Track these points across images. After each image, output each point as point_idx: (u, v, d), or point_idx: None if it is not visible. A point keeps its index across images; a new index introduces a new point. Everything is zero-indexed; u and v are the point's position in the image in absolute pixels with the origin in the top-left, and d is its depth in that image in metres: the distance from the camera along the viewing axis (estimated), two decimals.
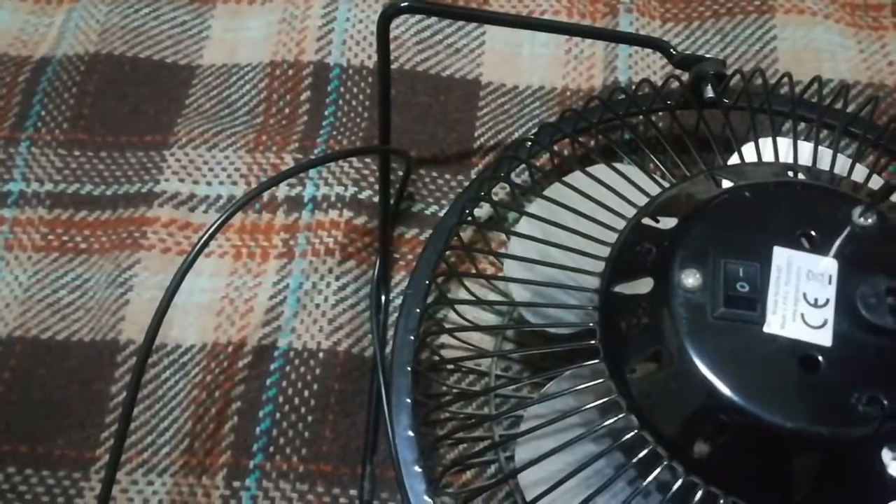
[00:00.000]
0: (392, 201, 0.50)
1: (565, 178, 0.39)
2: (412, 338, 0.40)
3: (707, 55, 0.55)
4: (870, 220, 0.30)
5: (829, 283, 0.30)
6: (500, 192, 0.51)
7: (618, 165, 0.39)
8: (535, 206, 0.40)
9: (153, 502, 0.44)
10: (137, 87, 0.56)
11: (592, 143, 0.51)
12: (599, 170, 0.38)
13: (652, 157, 0.41)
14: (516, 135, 0.54)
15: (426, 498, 0.37)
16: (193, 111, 0.55)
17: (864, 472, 0.28)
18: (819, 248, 0.30)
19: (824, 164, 0.36)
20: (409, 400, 0.39)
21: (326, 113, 0.55)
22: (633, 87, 0.51)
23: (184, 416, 0.46)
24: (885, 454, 0.28)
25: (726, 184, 0.34)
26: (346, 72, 0.56)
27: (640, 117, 0.48)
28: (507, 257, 0.39)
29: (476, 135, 0.54)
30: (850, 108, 0.46)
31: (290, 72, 0.56)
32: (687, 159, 0.40)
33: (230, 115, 0.55)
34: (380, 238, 0.49)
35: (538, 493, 0.30)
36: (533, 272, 0.37)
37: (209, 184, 0.52)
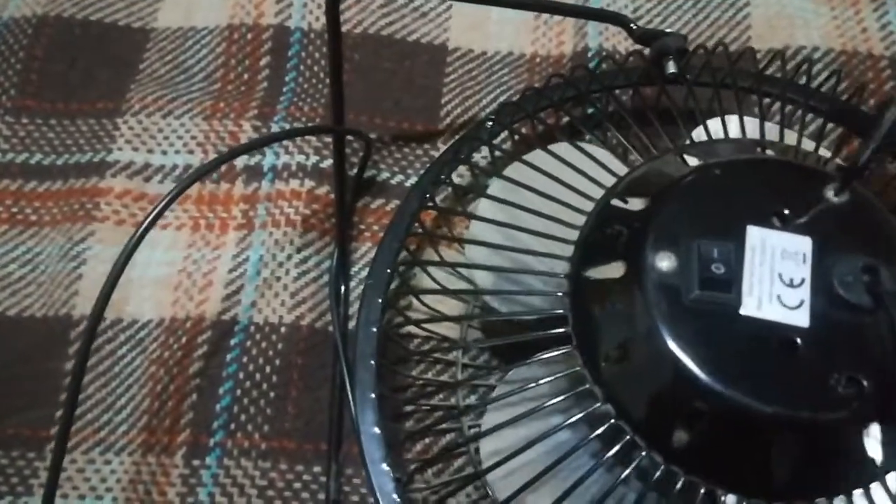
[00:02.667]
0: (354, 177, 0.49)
1: (526, 157, 0.38)
2: (374, 330, 0.39)
3: (680, 21, 0.55)
4: (843, 197, 0.30)
5: (804, 262, 0.29)
6: (466, 174, 0.49)
7: (581, 144, 0.37)
8: (497, 187, 0.38)
9: (111, 481, 0.43)
10: (88, 52, 0.53)
11: (554, 121, 0.50)
12: (562, 148, 0.37)
13: (616, 134, 0.39)
14: (484, 102, 0.52)
15: (395, 497, 0.36)
16: (147, 77, 0.53)
17: (845, 455, 0.28)
18: (793, 226, 0.29)
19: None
20: (373, 395, 0.38)
21: (287, 79, 0.53)
22: (600, 56, 0.50)
23: (141, 393, 0.45)
24: (867, 433, 0.28)
25: (694, 162, 0.33)
26: (308, 36, 0.54)
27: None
28: (470, 243, 0.38)
29: (442, 102, 0.52)
30: (818, 80, 0.46)
31: (249, 36, 0.54)
32: (652, 134, 0.40)
33: (186, 80, 0.53)
34: (336, 227, 0.47)
35: (508, 487, 0.29)
36: (498, 256, 0.35)
37: (164, 153, 0.50)
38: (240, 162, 0.50)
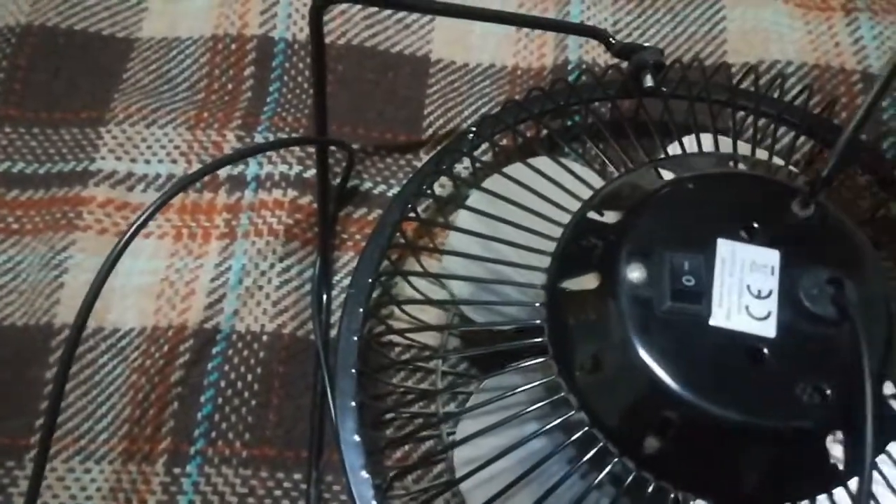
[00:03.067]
0: (336, 187, 0.49)
1: (506, 170, 0.38)
2: (355, 339, 0.39)
3: (658, 35, 0.56)
4: (809, 211, 0.31)
5: (772, 274, 0.30)
6: (448, 185, 0.50)
7: (560, 158, 0.38)
8: (476, 199, 0.39)
9: (91, 490, 0.43)
10: (72, 61, 0.54)
11: (534, 133, 0.50)
12: (541, 161, 0.38)
13: (594, 147, 0.40)
14: (466, 113, 0.53)
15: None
16: (131, 86, 0.53)
17: (810, 461, 0.29)
18: (761, 239, 0.30)
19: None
20: (353, 403, 0.38)
21: (271, 89, 0.53)
22: (580, 69, 0.51)
23: (122, 401, 0.45)
24: (831, 440, 0.29)
25: (668, 175, 0.34)
26: (292, 46, 0.55)
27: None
28: (449, 254, 0.38)
29: (425, 113, 0.53)
30: (791, 94, 0.47)
31: (233, 46, 0.54)
32: (629, 147, 0.40)
33: (170, 90, 0.53)
34: (319, 237, 0.48)
35: (481, 495, 0.30)
36: (477, 266, 0.36)
37: (147, 162, 0.51)
38: (223, 172, 0.50)
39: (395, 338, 0.45)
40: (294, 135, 0.52)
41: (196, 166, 0.50)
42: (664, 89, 0.44)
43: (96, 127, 0.51)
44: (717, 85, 0.44)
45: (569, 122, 0.49)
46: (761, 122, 0.40)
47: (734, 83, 0.45)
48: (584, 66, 0.54)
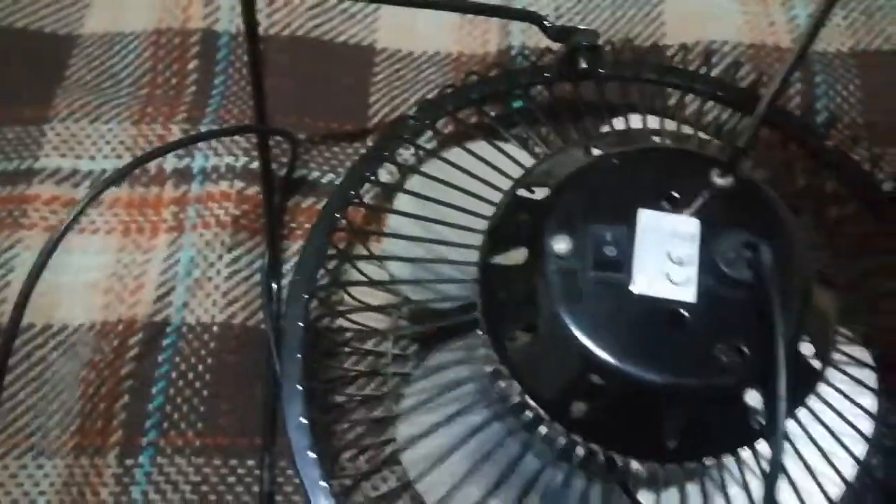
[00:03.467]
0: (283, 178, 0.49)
1: (444, 154, 0.39)
2: (300, 324, 0.40)
3: (599, 19, 0.57)
4: (729, 181, 0.31)
5: (692, 241, 0.31)
6: (395, 171, 0.50)
7: (497, 142, 0.39)
8: (415, 183, 0.40)
9: (44, 485, 0.43)
10: (13, 59, 0.54)
11: (477, 119, 0.51)
12: (479, 146, 0.39)
13: (527, 130, 0.41)
14: (411, 101, 0.53)
15: (322, 483, 0.37)
16: (74, 83, 0.53)
17: (730, 417, 0.30)
18: (682, 208, 0.31)
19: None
20: (300, 387, 0.39)
21: (216, 82, 0.53)
22: (522, 53, 0.52)
23: (73, 396, 0.45)
24: (750, 397, 0.29)
25: (597, 153, 0.34)
26: (236, 39, 0.55)
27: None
28: (390, 237, 0.39)
29: (370, 101, 0.53)
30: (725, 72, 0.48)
31: (177, 40, 0.55)
32: (566, 130, 0.41)
33: (114, 86, 0.53)
34: (266, 225, 0.48)
35: (420, 467, 0.31)
36: (417, 248, 0.37)
37: (92, 158, 0.51)
38: (169, 165, 0.50)
39: (347, 324, 0.46)
40: (234, 125, 0.52)
41: None
42: (601, 71, 0.45)
43: (40, 125, 0.51)
44: (650, 64, 0.45)
45: (509, 107, 0.50)
46: (694, 99, 0.41)
47: (668, 62, 0.46)
48: (526, 52, 0.54)
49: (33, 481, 0.43)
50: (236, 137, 0.51)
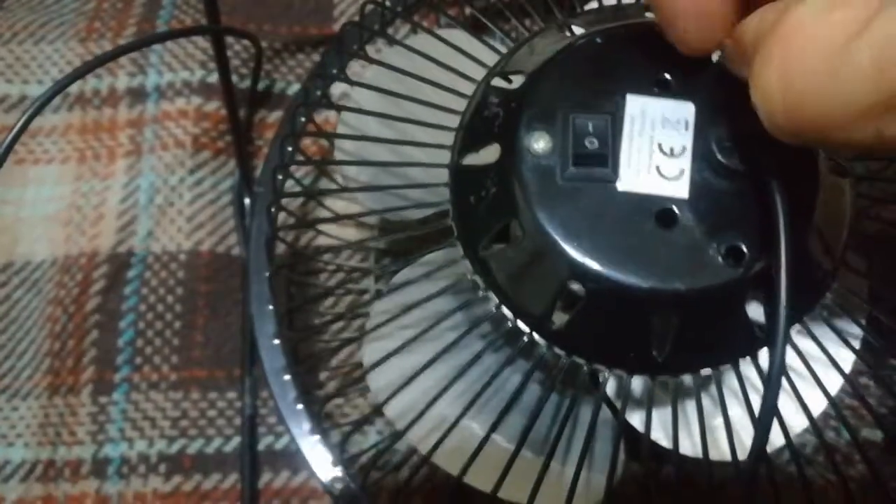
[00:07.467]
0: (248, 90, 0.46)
1: (409, 42, 0.35)
2: (265, 239, 0.37)
3: None
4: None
5: (686, 129, 0.27)
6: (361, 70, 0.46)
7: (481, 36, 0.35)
8: (374, 75, 0.36)
9: (20, 427, 0.41)
10: None
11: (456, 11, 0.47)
12: (454, 34, 0.35)
13: (511, 16, 0.37)
14: None
15: (298, 406, 0.35)
16: (15, 3, 0.49)
17: (729, 324, 0.27)
18: (675, 92, 0.28)
19: None
20: (270, 307, 0.36)
21: None
22: None
23: (41, 335, 0.43)
24: (750, 301, 0.27)
25: (579, 31, 0.30)
26: None
27: None
28: (354, 139, 0.35)
29: (335, 1, 0.49)
30: None
31: None
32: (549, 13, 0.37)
33: (57, 2, 0.49)
34: (234, 141, 0.44)
35: (390, 386, 0.28)
36: (380, 148, 0.33)
37: (40, 82, 0.47)
38: (121, 84, 0.47)
39: (321, 241, 0.43)
40: (181, 27, 0.47)
41: (91, 81, 0.47)
42: None
43: None
44: None
45: None
46: None
47: None
48: None
49: (9, 423, 0.42)
50: (191, 50, 0.47)
